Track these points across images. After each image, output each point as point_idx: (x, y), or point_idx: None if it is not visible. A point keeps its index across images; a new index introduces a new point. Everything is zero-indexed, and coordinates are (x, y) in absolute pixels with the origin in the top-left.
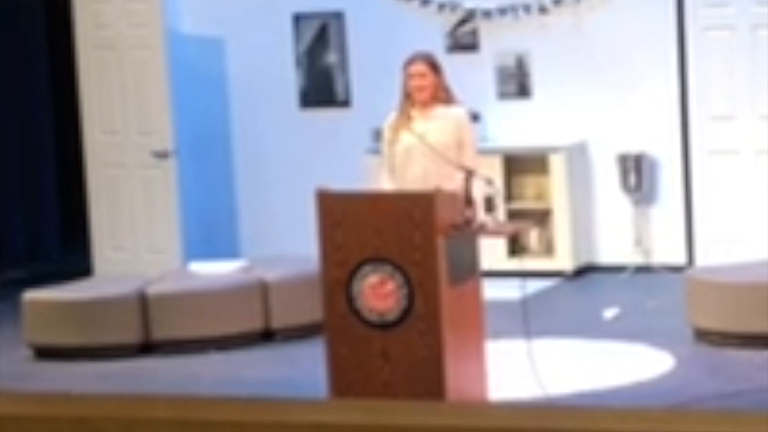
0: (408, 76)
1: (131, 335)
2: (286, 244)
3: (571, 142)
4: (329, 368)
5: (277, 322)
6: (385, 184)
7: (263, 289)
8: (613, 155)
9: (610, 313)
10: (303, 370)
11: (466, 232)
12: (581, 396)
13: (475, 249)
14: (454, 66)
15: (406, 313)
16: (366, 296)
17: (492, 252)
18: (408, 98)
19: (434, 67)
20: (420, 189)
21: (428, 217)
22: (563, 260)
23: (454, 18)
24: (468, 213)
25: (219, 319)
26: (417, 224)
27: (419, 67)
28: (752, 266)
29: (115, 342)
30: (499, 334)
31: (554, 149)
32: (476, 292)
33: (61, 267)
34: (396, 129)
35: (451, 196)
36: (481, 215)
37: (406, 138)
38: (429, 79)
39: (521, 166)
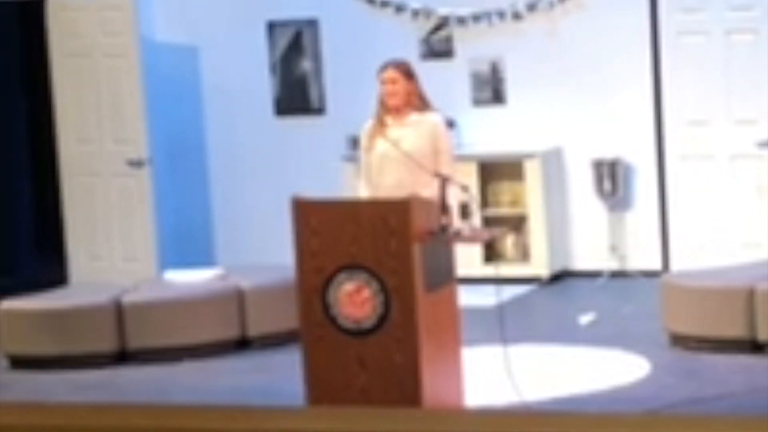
0: (380, 83)
1: (107, 344)
2: (261, 251)
3: (546, 148)
4: (306, 376)
5: (254, 330)
6: (362, 191)
7: (239, 297)
8: (588, 161)
9: (585, 318)
10: (279, 377)
11: (442, 239)
12: (558, 402)
13: (451, 256)
14: (428, 73)
15: (382, 320)
16: (342, 304)
17: (468, 258)
18: (383, 105)
19: (406, 73)
20: (395, 196)
21: (404, 224)
22: (539, 266)
23: (428, 25)
24: (443, 220)
25: (195, 327)
26: (393, 231)
27: (390, 74)
28: (727, 271)
29: (90, 351)
30: (475, 341)
31: (529, 155)
32: (452, 299)
33: (37, 276)
34: (372, 136)
35: (427, 203)
36: (457, 222)
37: (380, 145)
38: (400, 85)
39: (496, 172)
